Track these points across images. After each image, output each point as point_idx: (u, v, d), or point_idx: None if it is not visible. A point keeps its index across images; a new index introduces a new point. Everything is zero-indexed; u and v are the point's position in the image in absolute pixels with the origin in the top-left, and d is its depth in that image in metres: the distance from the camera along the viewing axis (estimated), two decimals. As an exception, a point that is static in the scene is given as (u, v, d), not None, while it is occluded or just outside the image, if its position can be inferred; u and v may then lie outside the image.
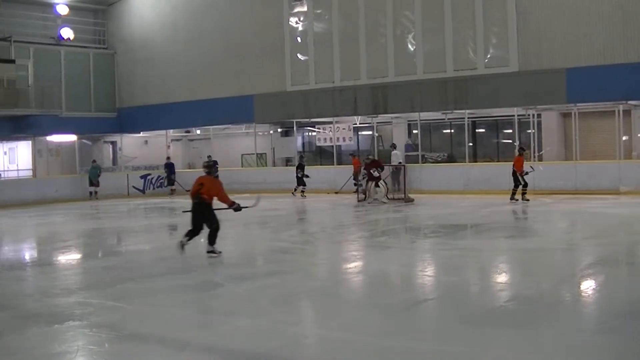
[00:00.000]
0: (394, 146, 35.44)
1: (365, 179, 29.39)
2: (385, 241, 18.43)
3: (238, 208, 16.62)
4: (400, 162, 32.71)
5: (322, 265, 15.16)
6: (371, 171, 28.67)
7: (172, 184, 38.84)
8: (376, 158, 31.06)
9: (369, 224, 22.49)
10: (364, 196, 29.35)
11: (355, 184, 32.81)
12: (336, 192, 33.52)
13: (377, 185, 28.62)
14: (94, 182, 36.90)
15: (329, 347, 8.58)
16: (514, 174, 27.31)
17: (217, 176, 37.33)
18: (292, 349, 8.47)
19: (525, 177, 27.12)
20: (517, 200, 27.00)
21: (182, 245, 15.39)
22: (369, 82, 34.08)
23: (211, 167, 17.44)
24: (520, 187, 27.17)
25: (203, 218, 15.90)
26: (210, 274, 13.58)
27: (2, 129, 37.79)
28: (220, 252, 15.40)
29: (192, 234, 15.60)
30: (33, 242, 22.27)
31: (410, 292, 11.88)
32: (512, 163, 27.75)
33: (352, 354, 8.21)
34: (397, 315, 9.99)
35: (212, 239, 15.70)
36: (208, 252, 15.56)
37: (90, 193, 36.73)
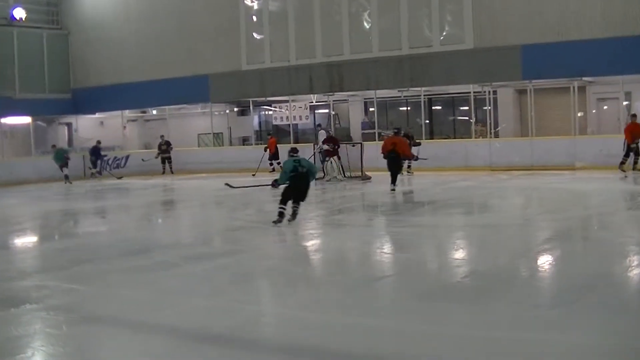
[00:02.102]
0: (319, 126, 35.98)
1: (324, 158, 29.61)
2: (341, 219, 18.47)
3: (416, 159, 26.59)
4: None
5: (279, 243, 15.17)
6: (325, 145, 29.09)
7: (95, 167, 38.28)
8: (333, 135, 31.08)
9: (326, 202, 22.54)
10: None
11: (270, 164, 33.85)
12: (253, 175, 32.94)
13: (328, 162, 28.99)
14: (62, 166, 36.56)
15: (287, 325, 8.60)
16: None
17: (170, 157, 37.58)
18: (249, 328, 8.47)
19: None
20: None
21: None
22: (325, 60, 34.05)
23: (399, 130, 26.02)
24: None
25: (394, 166, 23.98)
26: (166, 255, 13.51)
27: (-46, 113, 37.39)
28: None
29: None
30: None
31: (367, 270, 11.94)
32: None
33: (309, 331, 8.22)
34: (355, 292, 10.02)
35: (394, 179, 23.67)
36: (392, 190, 23.32)
37: (66, 177, 36.32)
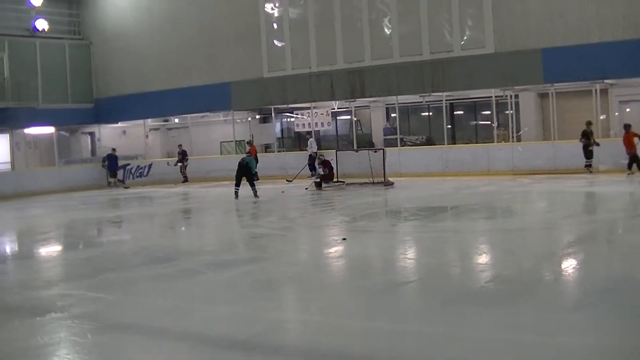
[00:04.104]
0: (310, 134, 36.49)
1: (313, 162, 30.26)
2: (365, 225, 18.41)
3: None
4: (314, 151, 33.16)
5: (303, 250, 15.19)
6: (318, 166, 30.10)
7: (115, 176, 38.69)
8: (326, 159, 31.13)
9: (349, 209, 22.48)
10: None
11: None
12: (289, 181, 33.27)
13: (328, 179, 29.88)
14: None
15: (310, 331, 8.62)
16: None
17: (186, 166, 37.93)
18: (273, 335, 8.49)
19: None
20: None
21: None
22: (346, 66, 34.05)
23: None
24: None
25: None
26: (190, 262, 13.56)
27: (-21, 123, 37.62)
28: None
29: None
30: (13, 235, 22.18)
31: (391, 275, 11.93)
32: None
33: (333, 337, 8.24)
34: (379, 298, 10.03)
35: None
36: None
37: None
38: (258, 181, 31.56)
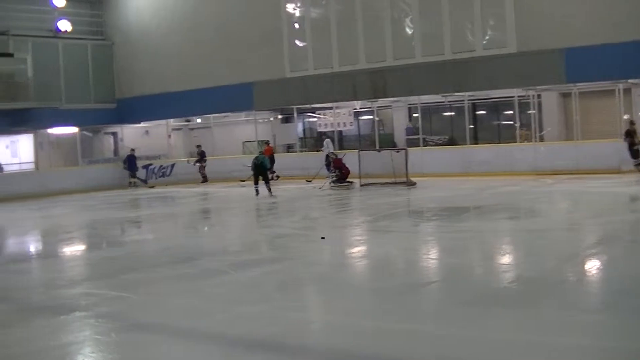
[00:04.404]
0: (326, 134, 36.63)
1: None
2: (387, 225, 18.39)
3: None
4: (330, 151, 33.16)
5: (325, 250, 15.18)
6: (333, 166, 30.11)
7: (134, 176, 38.95)
8: (339, 157, 31.12)
9: (371, 209, 22.48)
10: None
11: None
12: (309, 181, 33.46)
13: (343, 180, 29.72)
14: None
15: (333, 331, 8.63)
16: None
17: (204, 166, 38.14)
18: (296, 335, 8.52)
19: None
20: None
21: None
22: (368, 66, 33.98)
23: None
24: None
25: None
26: (213, 262, 13.61)
27: (2, 123, 37.69)
28: None
29: None
30: (37, 235, 22.35)
31: (413, 276, 11.94)
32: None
33: (355, 337, 8.26)
34: (401, 298, 10.04)
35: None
36: None
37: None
38: (277, 180, 31.75)
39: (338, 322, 9.00)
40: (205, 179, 38.92)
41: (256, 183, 28.16)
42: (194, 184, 38.06)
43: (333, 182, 29.48)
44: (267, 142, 36.88)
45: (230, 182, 36.40)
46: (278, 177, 34.47)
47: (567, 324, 8.33)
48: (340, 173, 29.60)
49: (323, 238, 16.04)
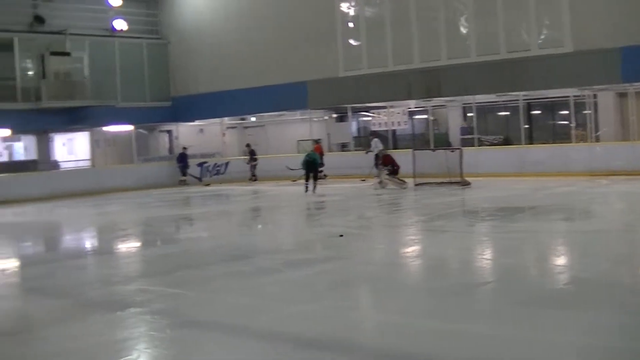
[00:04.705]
0: (374, 134, 36.17)
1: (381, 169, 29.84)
2: (442, 225, 18.30)
3: None
4: (380, 149, 32.99)
5: (379, 250, 15.18)
6: (382, 164, 29.59)
7: (184, 175, 39.24)
8: (387, 153, 30.99)
9: (426, 208, 22.42)
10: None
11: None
12: (363, 180, 33.57)
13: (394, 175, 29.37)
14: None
15: (386, 331, 8.62)
16: None
17: (254, 165, 38.31)
18: (349, 334, 8.52)
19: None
20: None
21: None
22: (422, 65, 33.80)
23: None
24: None
25: None
26: (267, 260, 13.66)
27: (60, 121, 38.17)
28: None
29: None
30: (93, 231, 22.59)
31: (467, 276, 11.88)
32: None
33: (409, 338, 8.24)
34: (455, 298, 9.99)
35: None
36: None
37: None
38: (325, 179, 31.83)
39: (391, 321, 8.99)
40: (254, 178, 39.03)
41: (307, 180, 28.87)
42: (248, 183, 38.19)
43: (387, 175, 29.34)
44: (316, 141, 36.94)
45: (282, 180, 36.42)
46: (325, 176, 34.46)
47: (622, 326, 8.25)
48: (392, 168, 29.49)
49: (341, 236, 16.22)
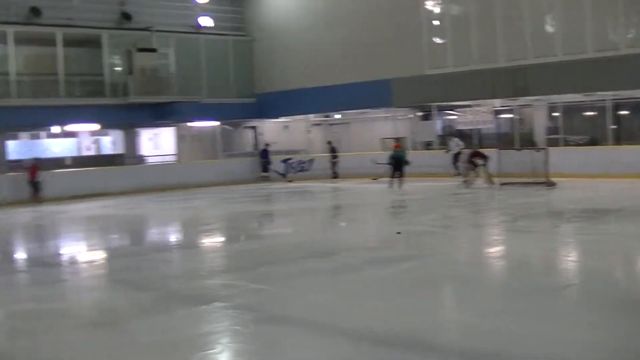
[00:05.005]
0: (453, 134, 36.09)
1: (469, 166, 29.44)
2: (526, 225, 18.08)
3: None
4: (461, 148, 32.91)
5: (463, 249, 15.10)
6: (473, 160, 28.80)
7: (266, 171, 39.49)
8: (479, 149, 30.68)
9: (510, 208, 22.21)
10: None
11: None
12: (374, 178, 33.69)
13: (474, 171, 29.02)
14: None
15: (469, 331, 8.57)
16: None
17: (335, 163, 38.38)
18: (431, 333, 8.50)
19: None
20: None
21: None
22: (507, 64, 33.50)
23: None
24: None
25: None
26: (350, 258, 13.68)
27: (146, 116, 38.73)
28: None
29: None
30: (178, 225, 22.88)
31: (552, 277, 11.76)
32: None
33: (490, 338, 8.19)
34: (539, 300, 9.89)
35: None
36: None
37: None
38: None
39: (472, 322, 8.93)
40: (335, 175, 39.10)
41: (393, 177, 29.75)
42: (330, 180, 38.25)
43: (483, 165, 29.01)
44: (397, 140, 36.89)
45: (365, 178, 36.36)
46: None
47: None
48: (484, 161, 29.09)
49: (399, 233, 16.36)
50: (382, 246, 15.55)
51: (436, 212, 21.98)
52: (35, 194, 31.24)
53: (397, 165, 29.97)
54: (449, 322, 9.23)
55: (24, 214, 26.88)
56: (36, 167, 31.91)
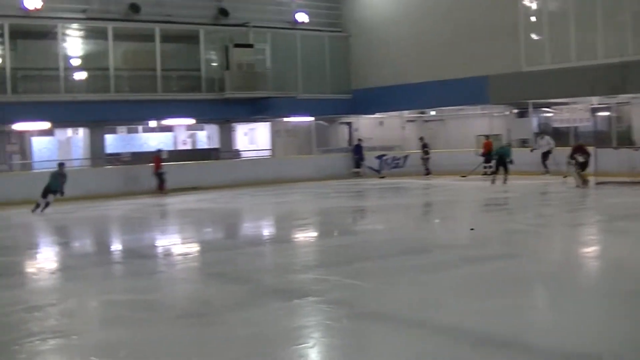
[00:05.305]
0: (545, 132, 35.49)
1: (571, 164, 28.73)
2: (624, 226, 17.70)
3: None
4: (552, 147, 32.64)
5: (558, 248, 14.92)
6: (575, 156, 28.09)
7: (358, 167, 39.48)
8: (582, 144, 30.00)
9: (607, 208, 21.82)
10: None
11: (484, 167, 35.07)
12: (463, 176, 33.31)
13: (582, 170, 27.90)
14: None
15: (561, 333, 8.45)
16: None
17: (427, 159, 38.24)
18: (524, 333, 8.40)
19: None
20: None
21: None
22: (607, 61, 32.92)
23: None
24: None
25: None
26: (444, 255, 13.62)
27: (242, 111, 39.13)
28: None
29: None
30: (272, 220, 23.07)
31: (647, 279, 11.54)
32: None
33: (586, 341, 8.08)
34: (631, 302, 9.73)
35: None
36: None
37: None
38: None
39: (569, 323, 8.82)
40: (427, 171, 38.96)
41: (496, 172, 30.54)
42: (423, 176, 38.11)
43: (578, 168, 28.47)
44: (487, 137, 36.65)
45: (459, 174, 36.11)
46: (485, 173, 34.42)
47: None
48: (584, 161, 28.49)
49: (472, 229, 16.42)
50: (475, 244, 15.42)
51: (530, 211, 21.76)
52: (161, 186, 32.04)
53: (501, 161, 30.28)
54: (541, 323, 9.11)
55: (122, 206, 27.32)
56: (159, 158, 32.65)
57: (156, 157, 32.66)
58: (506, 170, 30.06)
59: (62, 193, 25.59)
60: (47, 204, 25.18)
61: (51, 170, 26.91)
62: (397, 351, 7.97)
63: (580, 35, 33.60)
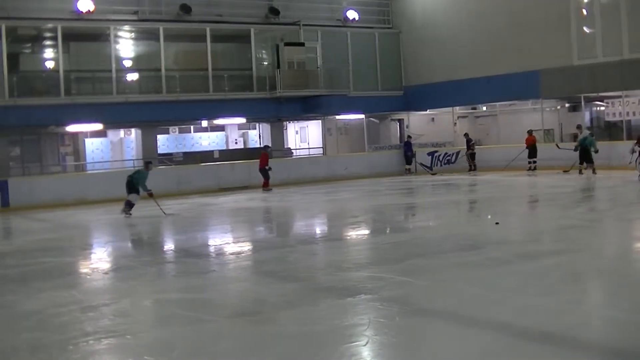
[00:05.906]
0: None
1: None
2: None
3: None
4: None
5: (612, 243, 14.76)
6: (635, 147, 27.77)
7: (409, 163, 39.49)
8: None
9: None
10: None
11: (529, 162, 35.83)
12: (566, 171, 32.81)
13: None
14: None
15: (619, 329, 8.38)
16: None
17: (471, 154, 37.99)
18: (581, 329, 8.36)
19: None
20: None
21: None
22: (660, 53, 32.60)
23: None
24: None
25: None
26: (497, 251, 13.54)
27: (293, 109, 39.23)
28: None
29: None
30: (324, 218, 23.09)
31: None
32: None
33: (638, 335, 8.01)
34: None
35: None
36: None
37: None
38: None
39: (624, 319, 8.71)
40: (472, 167, 38.77)
41: (581, 164, 31.66)
42: (473, 173, 37.92)
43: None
44: (529, 132, 36.39)
45: (513, 170, 35.83)
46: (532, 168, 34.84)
47: None
48: None
49: (497, 223, 16.97)
50: (528, 240, 15.32)
51: (585, 205, 21.57)
52: (265, 182, 32.46)
53: (584, 153, 30.86)
54: (597, 318, 9.03)
55: (175, 206, 27.42)
56: (266, 155, 33.15)
57: (263, 153, 33.02)
58: (591, 161, 30.83)
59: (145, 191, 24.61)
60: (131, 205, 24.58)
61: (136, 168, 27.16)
62: (451, 349, 7.95)
63: (632, 28, 33.22)
